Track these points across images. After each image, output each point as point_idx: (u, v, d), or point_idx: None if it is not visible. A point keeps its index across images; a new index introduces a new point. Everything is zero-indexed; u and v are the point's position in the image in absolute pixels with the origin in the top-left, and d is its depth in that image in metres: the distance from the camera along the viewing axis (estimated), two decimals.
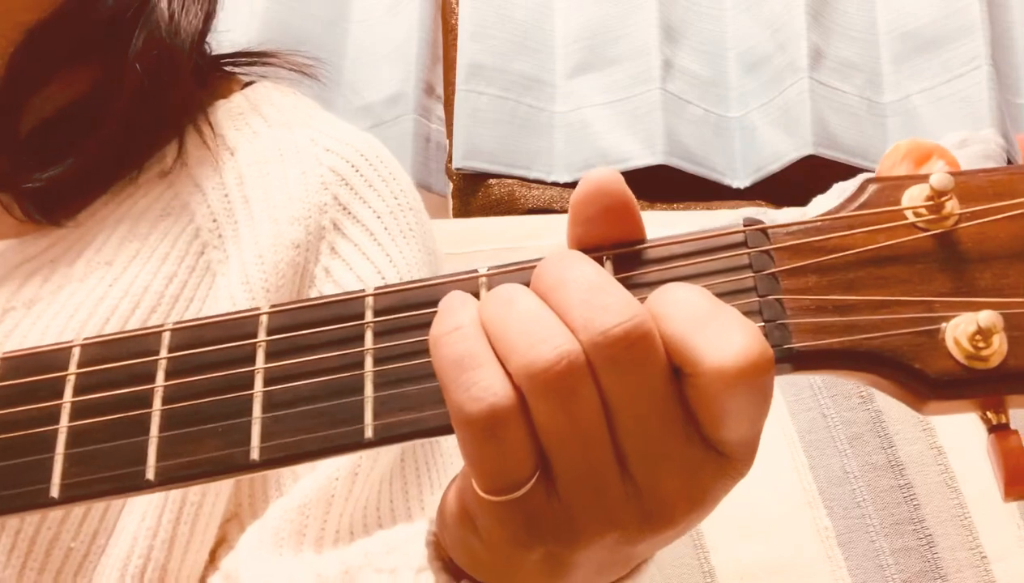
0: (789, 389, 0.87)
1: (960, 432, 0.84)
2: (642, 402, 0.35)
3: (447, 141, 1.34)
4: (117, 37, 0.64)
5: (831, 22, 1.29)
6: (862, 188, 0.39)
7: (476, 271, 0.39)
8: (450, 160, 1.30)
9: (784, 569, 0.80)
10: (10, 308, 0.59)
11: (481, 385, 0.35)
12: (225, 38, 0.74)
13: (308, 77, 0.74)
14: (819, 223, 0.39)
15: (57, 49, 0.64)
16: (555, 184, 1.28)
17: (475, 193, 1.29)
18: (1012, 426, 0.37)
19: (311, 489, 0.57)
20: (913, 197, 0.38)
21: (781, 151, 1.25)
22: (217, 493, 0.58)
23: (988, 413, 0.37)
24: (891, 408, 0.85)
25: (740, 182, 1.29)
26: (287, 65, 0.73)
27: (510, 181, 1.28)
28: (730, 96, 1.32)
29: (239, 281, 0.61)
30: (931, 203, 0.37)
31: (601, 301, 0.35)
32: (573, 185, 1.28)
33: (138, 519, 0.56)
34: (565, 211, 1.39)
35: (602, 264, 0.39)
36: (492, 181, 1.28)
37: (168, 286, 0.60)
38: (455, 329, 0.36)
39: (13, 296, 0.59)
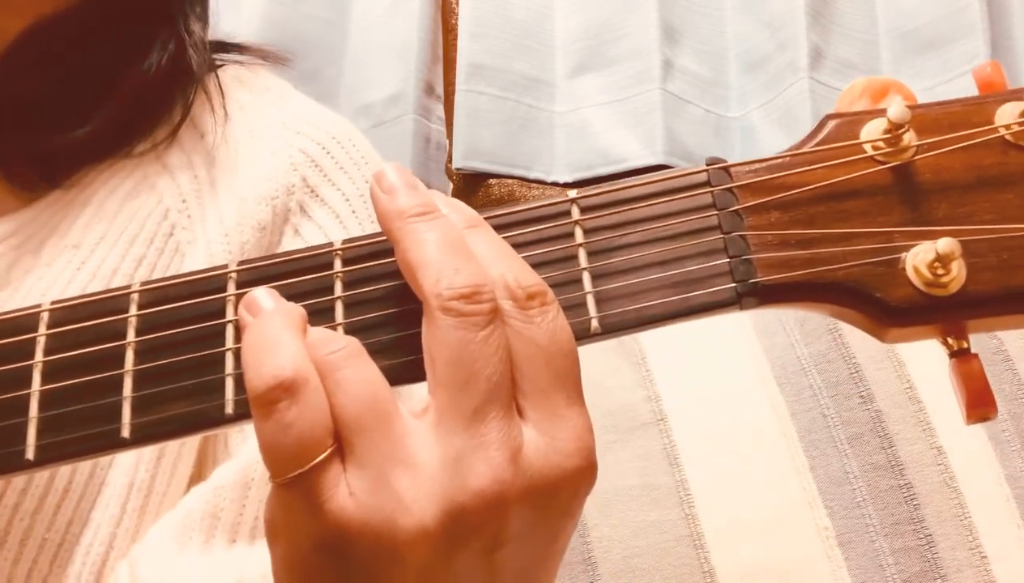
0: (789, 389, 0.87)
1: (960, 432, 0.84)
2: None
3: (447, 141, 1.34)
4: (137, 22, 0.64)
5: (831, 22, 1.29)
6: (821, 124, 0.40)
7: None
8: (450, 160, 1.30)
9: (784, 569, 0.80)
10: None
11: (269, 363, 0.36)
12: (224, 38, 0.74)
13: (283, 67, 0.73)
14: (780, 160, 0.39)
15: (70, 33, 0.64)
16: (555, 184, 1.28)
17: (475, 193, 1.29)
18: (973, 351, 0.38)
19: (229, 471, 0.56)
20: (871, 131, 0.39)
21: (781, 151, 1.25)
22: (183, 479, 0.58)
23: (949, 339, 0.38)
24: (891, 408, 0.85)
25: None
26: (260, 57, 0.73)
27: (510, 181, 1.28)
28: (730, 96, 1.32)
29: (204, 261, 0.60)
30: (889, 136, 0.38)
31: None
32: (573, 185, 1.28)
33: (103, 507, 0.56)
34: None
35: (570, 208, 0.40)
36: (492, 181, 1.28)
37: (137, 268, 0.60)
38: (258, 313, 0.38)
39: None
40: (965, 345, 0.38)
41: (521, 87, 1.30)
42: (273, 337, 0.36)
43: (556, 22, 1.33)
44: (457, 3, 1.33)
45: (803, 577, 0.80)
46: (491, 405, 0.35)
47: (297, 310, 0.38)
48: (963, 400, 0.37)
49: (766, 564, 0.80)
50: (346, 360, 0.36)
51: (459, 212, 0.39)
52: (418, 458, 0.35)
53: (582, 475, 0.36)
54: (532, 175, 1.29)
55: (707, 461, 0.84)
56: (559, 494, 0.36)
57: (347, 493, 0.35)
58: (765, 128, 1.27)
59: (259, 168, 0.64)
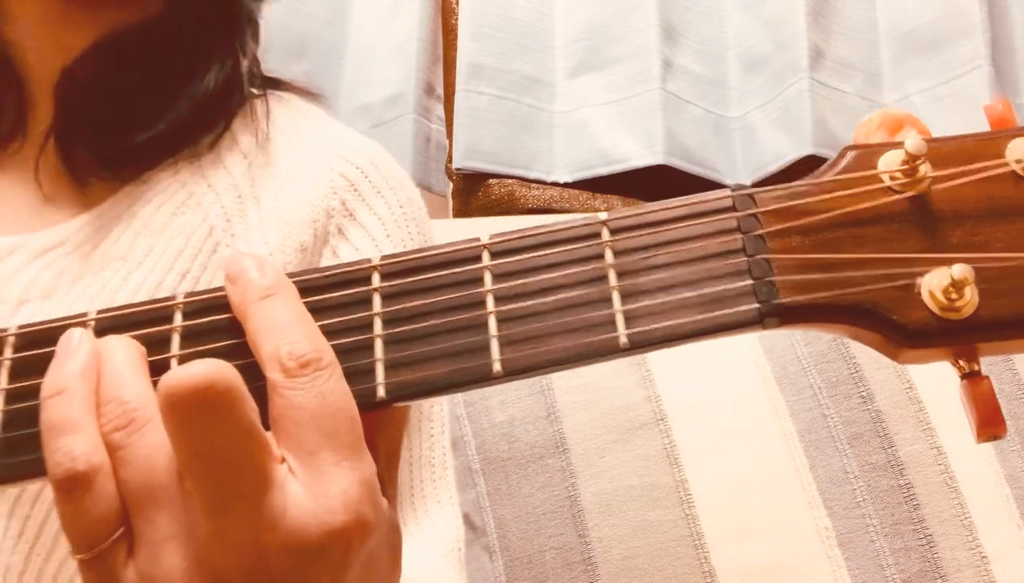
0: (789, 389, 0.87)
1: (960, 432, 0.84)
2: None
3: (447, 141, 1.34)
4: (199, 41, 0.68)
5: (831, 22, 1.29)
6: (841, 155, 0.42)
7: (478, 239, 0.42)
8: (450, 160, 1.30)
9: (784, 569, 0.80)
10: (25, 300, 0.59)
11: (63, 452, 0.38)
12: None
13: (316, 101, 0.77)
14: (802, 188, 0.41)
15: (134, 48, 0.66)
16: (555, 184, 1.28)
17: (475, 193, 1.29)
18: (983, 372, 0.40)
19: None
20: (888, 162, 0.41)
21: (781, 151, 1.25)
22: None
23: (961, 361, 0.40)
24: (891, 408, 0.85)
25: (740, 182, 1.29)
26: (297, 93, 0.76)
27: (510, 181, 1.28)
28: (730, 96, 1.32)
29: None
30: (906, 167, 0.40)
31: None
32: (573, 185, 1.28)
33: None
34: (565, 211, 1.39)
35: (600, 230, 0.41)
36: (492, 181, 1.28)
37: (181, 282, 0.62)
38: (55, 394, 0.39)
39: (28, 288, 0.60)
40: (976, 367, 0.40)
41: (521, 87, 1.30)
42: (67, 417, 0.38)
43: (556, 22, 1.33)
44: (457, 3, 1.33)
45: (803, 577, 0.80)
46: (243, 479, 0.37)
47: (90, 380, 0.39)
48: (974, 420, 0.39)
49: (766, 564, 0.80)
50: (128, 437, 0.38)
51: (258, 281, 0.41)
52: (189, 530, 0.38)
53: (350, 530, 0.38)
54: (532, 175, 1.29)
55: (707, 461, 0.84)
56: (328, 549, 0.38)
57: (133, 573, 0.38)
58: (765, 128, 1.27)
59: (301, 190, 0.66)
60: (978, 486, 0.82)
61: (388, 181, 0.69)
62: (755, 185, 1.33)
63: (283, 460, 0.38)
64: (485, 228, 1.08)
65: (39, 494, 0.56)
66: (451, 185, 1.33)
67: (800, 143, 1.23)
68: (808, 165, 1.23)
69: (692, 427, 0.86)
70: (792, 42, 1.26)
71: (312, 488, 0.38)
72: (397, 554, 0.43)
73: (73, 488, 0.37)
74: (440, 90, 1.37)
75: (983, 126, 1.31)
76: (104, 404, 0.39)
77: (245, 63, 0.69)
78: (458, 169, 1.28)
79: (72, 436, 0.38)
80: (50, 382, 0.39)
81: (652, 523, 0.82)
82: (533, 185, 1.28)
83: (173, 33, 0.67)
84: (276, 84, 0.75)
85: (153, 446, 0.38)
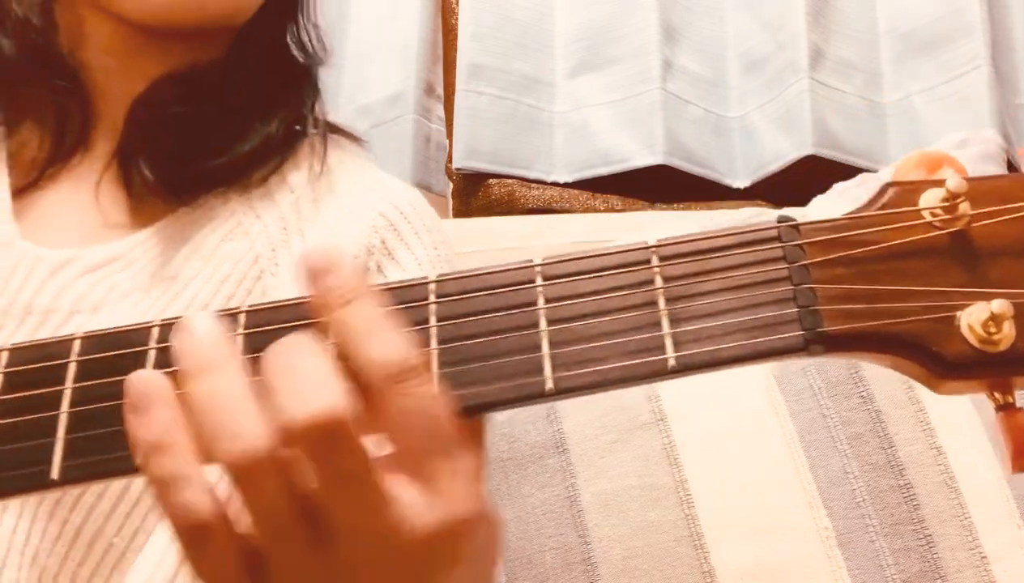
0: (789, 389, 0.87)
1: (960, 432, 0.84)
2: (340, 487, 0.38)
3: (447, 141, 1.34)
4: (267, 93, 0.73)
5: (831, 22, 1.29)
6: (882, 191, 0.44)
7: (531, 261, 0.43)
8: (450, 160, 1.31)
9: (784, 569, 0.80)
10: (75, 311, 0.62)
11: (179, 505, 0.38)
12: None
13: (361, 146, 0.81)
14: (846, 221, 0.43)
15: (203, 83, 0.70)
16: (555, 184, 1.28)
17: (475, 193, 1.29)
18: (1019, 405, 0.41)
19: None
20: (929, 199, 0.43)
21: (781, 151, 1.25)
22: None
23: (996, 393, 0.41)
24: (891, 408, 0.85)
25: (740, 182, 1.29)
26: (344, 135, 0.79)
27: (510, 181, 1.28)
28: (730, 96, 1.32)
29: None
30: (947, 204, 0.42)
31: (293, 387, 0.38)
32: (573, 185, 1.28)
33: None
34: (565, 211, 1.39)
35: (650, 257, 0.42)
36: (492, 181, 1.28)
37: (225, 306, 0.63)
38: (155, 450, 0.38)
39: (79, 300, 0.62)
40: (1011, 399, 0.41)
41: (521, 87, 1.30)
42: (175, 472, 0.38)
43: (556, 22, 1.33)
44: (457, 3, 1.33)
45: (803, 577, 0.80)
46: (366, 499, 0.38)
47: (186, 428, 0.39)
48: (1008, 451, 0.40)
49: (766, 564, 0.80)
50: (243, 480, 0.38)
51: (348, 281, 0.41)
52: (316, 561, 0.39)
53: (468, 522, 0.39)
54: (532, 175, 1.29)
55: (707, 461, 0.84)
56: (446, 542, 0.39)
57: None
58: (765, 128, 1.27)
59: (344, 227, 0.70)
60: (978, 486, 0.82)
61: (425, 223, 0.73)
62: (755, 185, 1.34)
63: (391, 467, 0.39)
64: (485, 228, 1.08)
65: (79, 499, 0.57)
66: (451, 185, 1.33)
67: (800, 143, 1.23)
68: (808, 165, 1.23)
69: (692, 427, 0.86)
70: (792, 42, 1.26)
71: (426, 487, 0.39)
72: (498, 546, 0.44)
73: (195, 537, 0.38)
74: (440, 90, 1.38)
75: (983, 126, 1.31)
76: (216, 449, 0.38)
77: (308, 109, 0.75)
78: (458, 169, 1.28)
79: (185, 490, 0.38)
80: (145, 436, 0.39)
81: (652, 523, 0.82)
82: (533, 185, 1.28)
83: (243, 76, 0.72)
84: (328, 127, 0.78)
85: (269, 483, 0.38)
